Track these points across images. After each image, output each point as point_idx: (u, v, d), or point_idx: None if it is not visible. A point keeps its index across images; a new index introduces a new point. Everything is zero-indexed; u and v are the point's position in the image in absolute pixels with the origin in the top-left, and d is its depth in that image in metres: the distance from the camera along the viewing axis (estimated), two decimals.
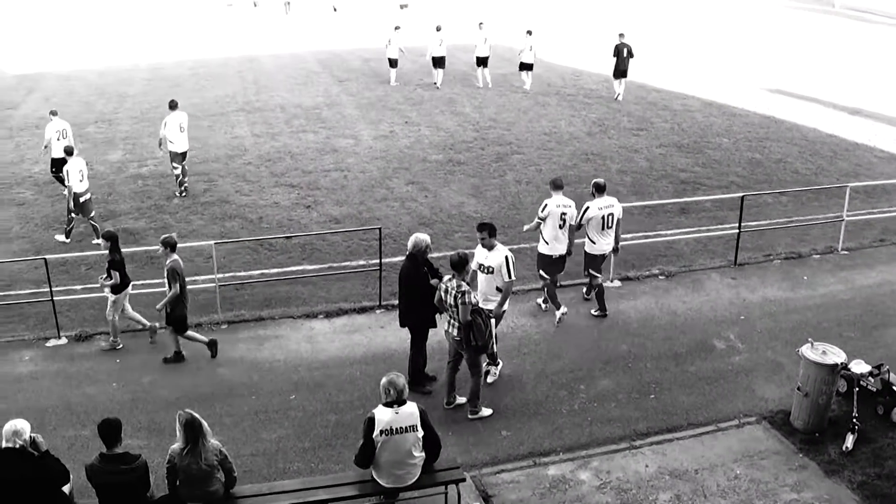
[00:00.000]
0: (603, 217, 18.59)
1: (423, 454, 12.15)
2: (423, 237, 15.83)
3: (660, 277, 21.19)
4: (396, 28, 43.70)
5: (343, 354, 17.76)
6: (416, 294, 15.74)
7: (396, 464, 11.93)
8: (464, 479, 12.93)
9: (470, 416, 15.55)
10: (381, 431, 11.62)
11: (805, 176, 29.01)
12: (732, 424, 15.30)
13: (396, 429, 11.68)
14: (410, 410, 11.83)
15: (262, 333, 18.62)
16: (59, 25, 63.05)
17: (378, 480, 12.10)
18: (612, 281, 20.78)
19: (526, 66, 41.92)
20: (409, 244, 15.79)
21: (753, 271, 21.55)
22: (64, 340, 18.33)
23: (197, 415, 11.31)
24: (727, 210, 25.15)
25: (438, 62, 42.80)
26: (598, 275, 19.22)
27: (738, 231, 21.98)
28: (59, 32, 59.85)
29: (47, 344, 18.20)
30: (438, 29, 42.83)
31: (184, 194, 27.13)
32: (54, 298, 18.62)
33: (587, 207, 18.64)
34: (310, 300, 20.35)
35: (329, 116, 36.41)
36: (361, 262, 22.18)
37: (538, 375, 16.88)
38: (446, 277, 15.11)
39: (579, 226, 18.69)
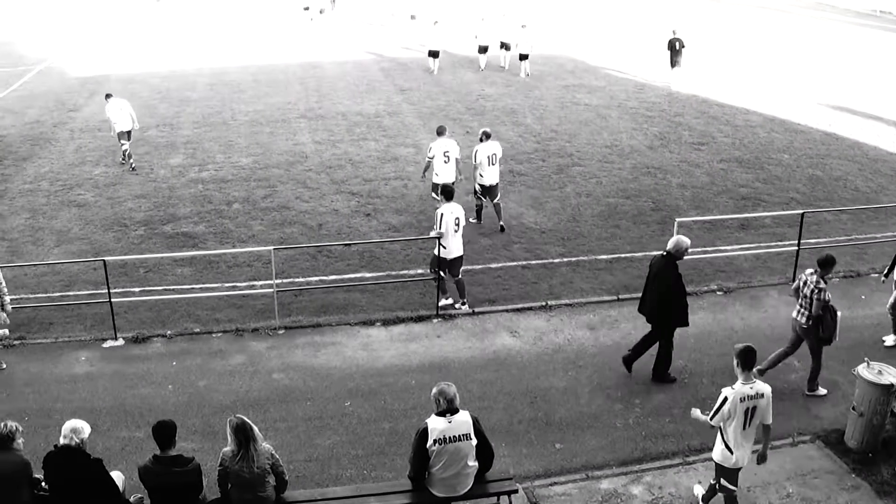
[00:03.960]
0: (489, 156, 24.10)
1: (477, 464, 12.18)
2: (687, 240, 16.41)
3: (718, 293, 21.08)
4: (435, 23, 48.90)
5: (399, 363, 17.89)
6: (665, 291, 16.33)
7: (451, 473, 11.96)
8: (516, 491, 12.97)
9: (807, 393, 16.79)
10: (436, 441, 11.66)
11: (865, 194, 28.66)
12: (786, 442, 15.21)
13: (450, 437, 11.70)
14: (464, 419, 11.84)
15: (319, 340, 18.80)
16: (125, 28, 63.75)
17: (430, 490, 12.15)
18: None
19: (523, 57, 47.11)
20: (671, 244, 16.32)
21: None
22: (121, 342, 18.65)
23: (247, 419, 11.46)
24: (787, 227, 24.95)
25: (483, 50, 49.02)
26: (484, 199, 24.86)
27: (797, 248, 21.80)
28: (125, 35, 60.49)
29: (104, 345, 18.56)
30: (483, 20, 50.95)
31: (133, 168, 30.31)
32: (112, 300, 18.98)
33: (477, 150, 24.24)
34: (367, 308, 20.48)
35: (390, 125, 36.54)
36: (420, 271, 22.28)
37: (594, 389, 16.90)
38: (808, 271, 16.25)
39: (474, 166, 24.27)
